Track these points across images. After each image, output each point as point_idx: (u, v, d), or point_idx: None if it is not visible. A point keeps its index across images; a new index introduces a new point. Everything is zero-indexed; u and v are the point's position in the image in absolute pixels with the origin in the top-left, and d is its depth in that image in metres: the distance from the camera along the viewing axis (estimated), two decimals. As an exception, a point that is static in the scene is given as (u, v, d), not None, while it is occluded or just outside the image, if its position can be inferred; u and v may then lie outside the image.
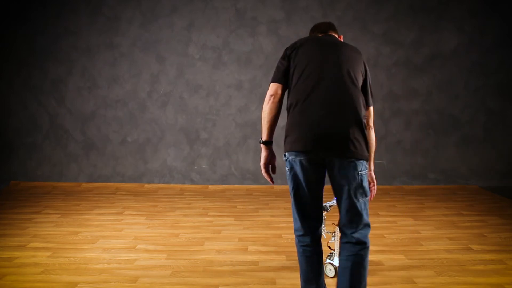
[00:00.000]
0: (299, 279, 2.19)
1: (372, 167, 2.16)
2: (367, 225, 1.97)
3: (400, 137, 5.40)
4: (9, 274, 2.68)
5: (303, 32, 5.29)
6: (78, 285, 2.54)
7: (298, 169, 1.95)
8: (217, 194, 5.02)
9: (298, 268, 2.79)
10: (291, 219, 3.95)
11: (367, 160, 1.96)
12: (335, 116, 1.87)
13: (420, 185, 5.34)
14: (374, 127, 2.14)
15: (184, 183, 5.42)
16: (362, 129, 1.90)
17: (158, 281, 2.58)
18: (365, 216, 1.96)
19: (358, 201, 1.93)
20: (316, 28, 2.25)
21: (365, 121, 1.97)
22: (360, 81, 1.99)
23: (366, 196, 1.96)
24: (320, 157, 1.91)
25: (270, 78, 2.10)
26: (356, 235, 1.94)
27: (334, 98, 1.90)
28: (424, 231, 3.54)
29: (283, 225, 3.74)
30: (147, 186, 5.35)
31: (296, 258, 2.97)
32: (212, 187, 5.35)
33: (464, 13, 5.27)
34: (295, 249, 3.13)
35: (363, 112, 1.94)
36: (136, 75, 5.39)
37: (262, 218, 3.97)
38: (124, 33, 5.34)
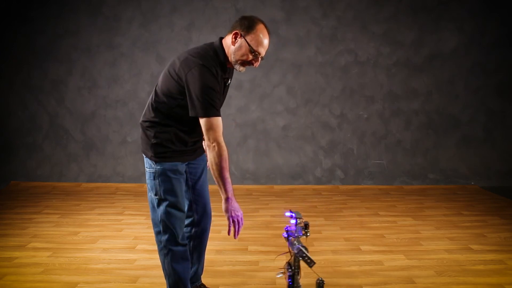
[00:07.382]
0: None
1: (224, 197, 1.92)
2: (156, 227, 2.06)
3: (400, 137, 5.40)
4: (9, 274, 2.68)
5: (303, 32, 5.29)
6: (78, 285, 2.54)
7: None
8: (217, 194, 4.94)
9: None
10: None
11: (150, 159, 2.07)
12: None
13: (420, 185, 5.34)
14: (217, 145, 1.84)
15: (184, 183, 5.42)
16: (143, 130, 2.18)
17: (158, 281, 2.58)
18: (152, 214, 2.07)
19: (149, 196, 2.08)
20: None
21: (164, 122, 2.08)
22: (168, 89, 2.07)
23: (153, 193, 2.04)
24: None
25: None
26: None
27: None
28: (424, 231, 3.54)
29: (283, 225, 3.73)
30: (147, 186, 5.34)
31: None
32: (212, 187, 5.28)
33: (464, 13, 5.26)
34: (295, 249, 3.14)
35: (151, 114, 2.13)
36: (136, 75, 5.39)
37: (262, 218, 3.97)
38: (124, 33, 5.34)
